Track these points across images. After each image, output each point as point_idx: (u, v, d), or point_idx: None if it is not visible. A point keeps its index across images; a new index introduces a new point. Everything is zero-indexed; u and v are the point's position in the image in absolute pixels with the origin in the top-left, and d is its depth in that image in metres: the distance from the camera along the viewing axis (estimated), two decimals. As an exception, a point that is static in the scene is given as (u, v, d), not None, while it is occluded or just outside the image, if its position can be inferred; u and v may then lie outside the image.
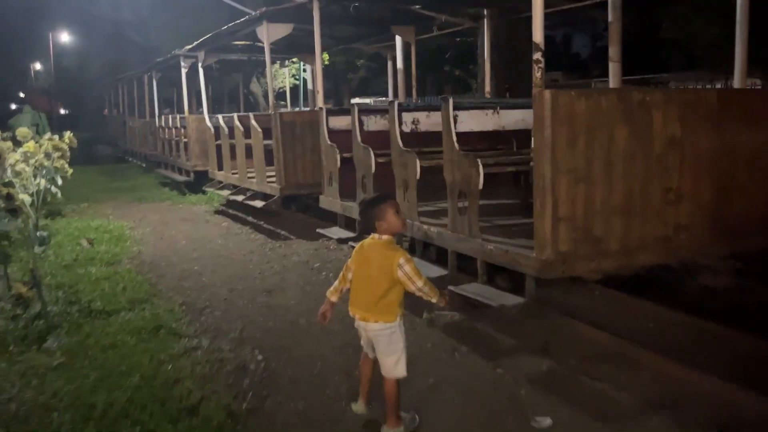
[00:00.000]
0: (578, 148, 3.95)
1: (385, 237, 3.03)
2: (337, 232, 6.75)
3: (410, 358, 3.14)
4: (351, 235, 6.51)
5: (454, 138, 4.72)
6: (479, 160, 4.48)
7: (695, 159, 4.32)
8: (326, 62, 17.28)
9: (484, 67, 8.40)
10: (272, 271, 6.40)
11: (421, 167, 5.19)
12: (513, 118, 5.21)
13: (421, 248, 5.53)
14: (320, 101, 7.21)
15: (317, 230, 7.05)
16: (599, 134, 4.00)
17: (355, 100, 22.09)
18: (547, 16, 4.01)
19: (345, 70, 28.41)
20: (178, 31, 19.93)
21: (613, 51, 5.51)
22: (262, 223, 9.37)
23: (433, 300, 3.07)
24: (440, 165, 5.26)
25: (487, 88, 8.18)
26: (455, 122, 4.74)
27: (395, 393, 3.03)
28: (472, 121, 4.98)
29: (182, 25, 20.97)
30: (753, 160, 4.53)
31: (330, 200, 6.92)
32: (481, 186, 4.46)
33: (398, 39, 8.86)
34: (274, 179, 8.47)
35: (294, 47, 11.02)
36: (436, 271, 4.97)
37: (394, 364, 3.00)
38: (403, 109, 5.59)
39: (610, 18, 5.48)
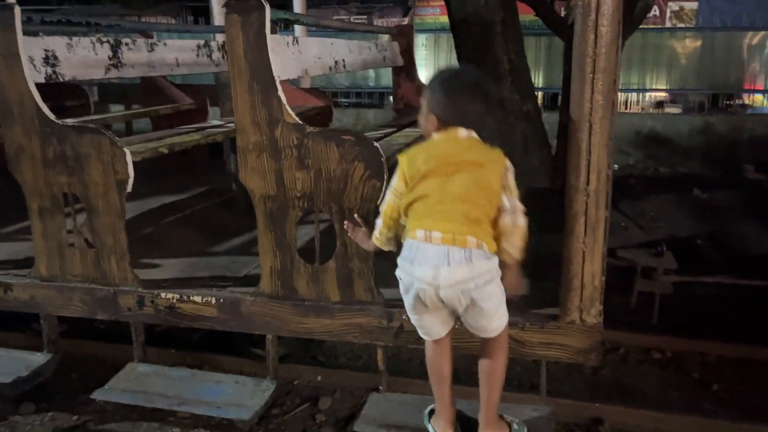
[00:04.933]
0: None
1: (474, 134, 1.85)
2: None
3: None
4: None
5: (285, 105, 2.06)
6: (377, 146, 2.14)
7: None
8: None
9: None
10: None
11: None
12: (312, 54, 2.66)
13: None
14: None
15: None
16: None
17: None
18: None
19: None
20: None
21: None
22: None
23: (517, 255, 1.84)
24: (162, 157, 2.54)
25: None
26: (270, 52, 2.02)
27: (504, 366, 1.90)
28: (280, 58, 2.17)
29: None
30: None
31: None
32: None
33: None
34: None
35: None
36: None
37: (503, 316, 1.87)
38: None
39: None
